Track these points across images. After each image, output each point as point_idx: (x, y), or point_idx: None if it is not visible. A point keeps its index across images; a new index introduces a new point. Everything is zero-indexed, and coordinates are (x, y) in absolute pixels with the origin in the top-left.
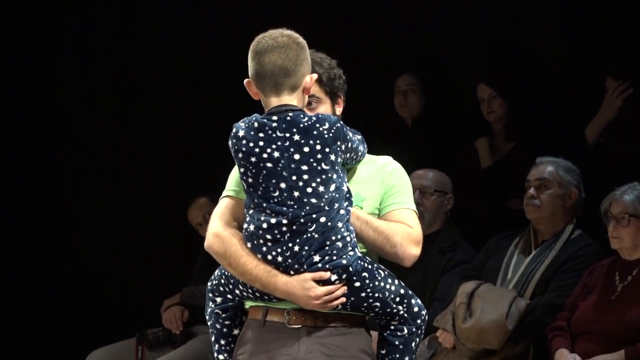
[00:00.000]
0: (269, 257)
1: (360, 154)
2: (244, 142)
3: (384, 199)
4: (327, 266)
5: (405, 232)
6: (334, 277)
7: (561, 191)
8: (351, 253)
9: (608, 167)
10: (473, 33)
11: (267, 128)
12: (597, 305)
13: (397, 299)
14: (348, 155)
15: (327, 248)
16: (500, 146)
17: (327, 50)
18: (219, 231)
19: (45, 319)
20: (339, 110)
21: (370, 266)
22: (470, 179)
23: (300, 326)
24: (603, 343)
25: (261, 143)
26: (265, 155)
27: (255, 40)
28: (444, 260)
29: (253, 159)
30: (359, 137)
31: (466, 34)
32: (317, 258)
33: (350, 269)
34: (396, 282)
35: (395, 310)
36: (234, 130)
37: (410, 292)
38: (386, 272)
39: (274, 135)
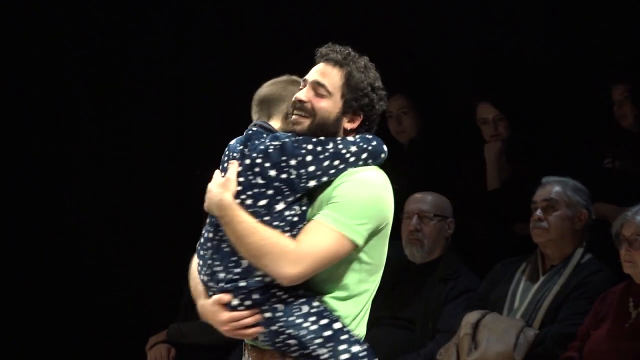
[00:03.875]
0: (201, 276)
1: (349, 155)
2: (228, 148)
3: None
4: (228, 285)
5: (279, 251)
6: (234, 302)
7: (570, 212)
8: (257, 278)
9: (618, 186)
10: (464, 47)
11: (240, 139)
12: (611, 334)
13: (318, 341)
14: (312, 168)
15: (232, 265)
16: (502, 168)
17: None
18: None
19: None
20: (349, 125)
21: (291, 299)
22: (472, 202)
23: None
24: None
25: (231, 153)
26: (226, 165)
27: None
28: (446, 289)
29: (224, 166)
30: (338, 143)
31: (456, 49)
32: (222, 275)
33: (254, 295)
34: (324, 321)
35: (314, 354)
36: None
37: (343, 337)
38: (315, 310)
39: (238, 147)
